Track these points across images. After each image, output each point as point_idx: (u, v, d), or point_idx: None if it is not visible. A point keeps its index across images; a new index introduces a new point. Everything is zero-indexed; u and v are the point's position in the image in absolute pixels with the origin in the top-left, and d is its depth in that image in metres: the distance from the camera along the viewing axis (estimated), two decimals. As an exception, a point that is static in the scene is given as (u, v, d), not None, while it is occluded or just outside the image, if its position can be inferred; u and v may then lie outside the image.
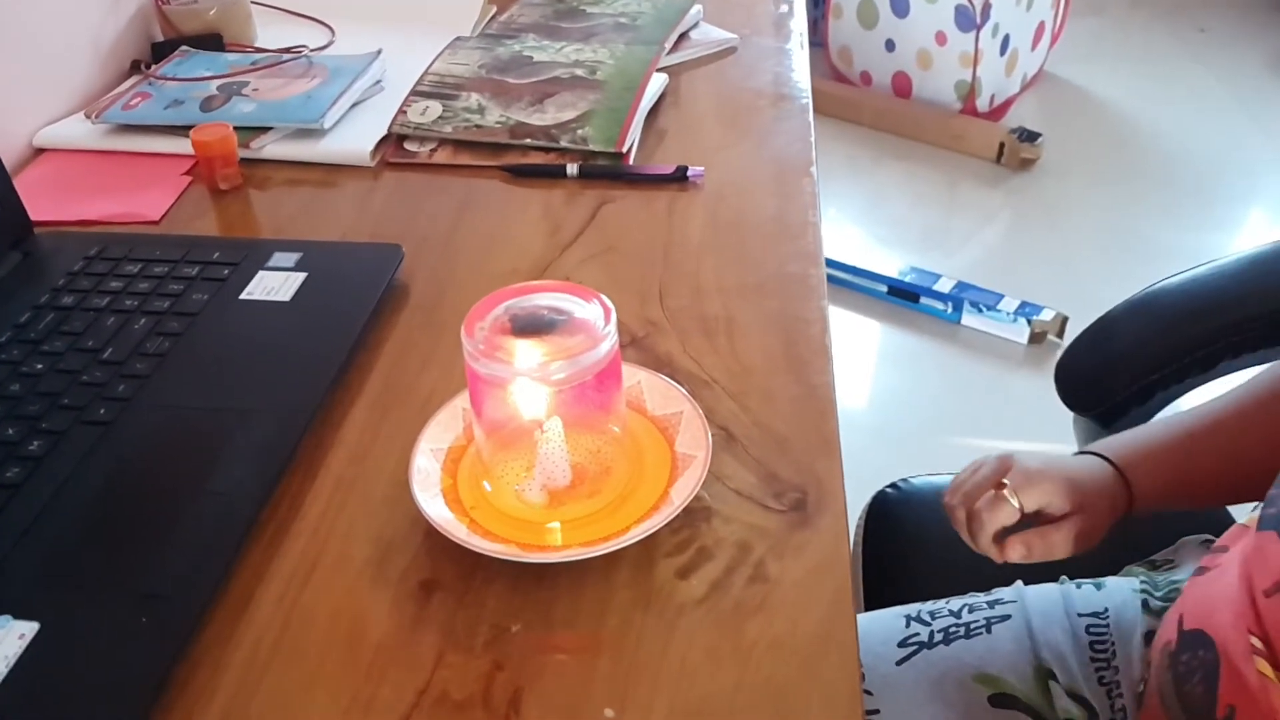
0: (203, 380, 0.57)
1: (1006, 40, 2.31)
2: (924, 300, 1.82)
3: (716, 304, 0.62)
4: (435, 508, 0.47)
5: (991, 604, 0.62)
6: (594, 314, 0.45)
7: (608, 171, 0.77)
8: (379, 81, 0.88)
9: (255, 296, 0.63)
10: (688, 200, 0.73)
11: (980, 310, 1.77)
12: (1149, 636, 0.58)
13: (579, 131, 0.78)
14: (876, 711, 0.59)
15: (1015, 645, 0.59)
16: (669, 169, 0.75)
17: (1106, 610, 0.59)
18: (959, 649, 0.59)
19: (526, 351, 0.44)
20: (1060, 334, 1.75)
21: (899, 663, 0.60)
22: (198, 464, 0.51)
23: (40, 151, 0.83)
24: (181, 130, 0.80)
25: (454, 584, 0.46)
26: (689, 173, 0.75)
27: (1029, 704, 0.57)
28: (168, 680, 0.42)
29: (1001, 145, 2.23)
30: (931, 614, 0.63)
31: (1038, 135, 2.23)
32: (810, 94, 0.85)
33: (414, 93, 0.84)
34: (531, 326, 0.45)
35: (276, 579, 0.47)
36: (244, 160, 0.80)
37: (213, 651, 0.44)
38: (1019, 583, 0.63)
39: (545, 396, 0.45)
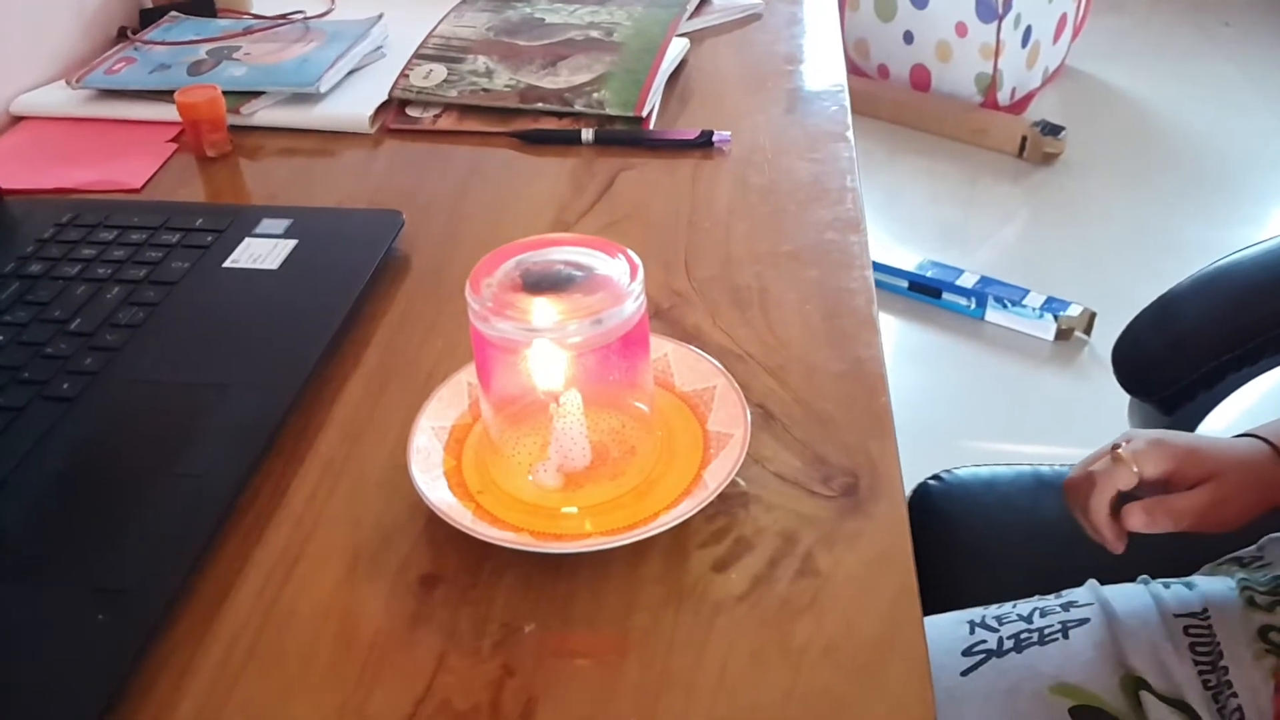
0: (179, 353, 0.51)
1: (1028, 32, 2.25)
2: (946, 296, 1.76)
3: (749, 273, 0.56)
4: (437, 491, 0.41)
5: (1065, 606, 0.56)
6: (619, 270, 0.40)
7: (626, 137, 0.71)
8: (380, 48, 0.83)
9: (240, 264, 0.57)
10: (713, 167, 0.67)
11: (1005, 306, 1.71)
12: (1264, 631, 0.52)
13: (595, 95, 0.73)
14: None
15: (1097, 652, 0.53)
16: (693, 133, 0.69)
17: (1206, 610, 0.53)
18: (1033, 657, 0.53)
19: (541, 310, 0.38)
20: (1088, 330, 1.68)
21: (965, 673, 0.54)
22: (169, 444, 0.45)
23: (18, 120, 0.78)
24: (167, 96, 0.74)
25: (458, 578, 0.40)
26: (715, 138, 0.69)
27: (1115, 716, 0.51)
28: (125, 686, 0.36)
29: (1024, 139, 2.17)
30: (998, 619, 0.56)
31: (1061, 129, 2.17)
32: (844, 56, 0.79)
33: (417, 56, 0.78)
34: (547, 283, 0.39)
35: (255, 572, 0.41)
36: (234, 128, 0.74)
37: (179, 654, 0.38)
38: (1092, 582, 0.57)
39: (562, 363, 0.39)
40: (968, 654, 0.55)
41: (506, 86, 0.75)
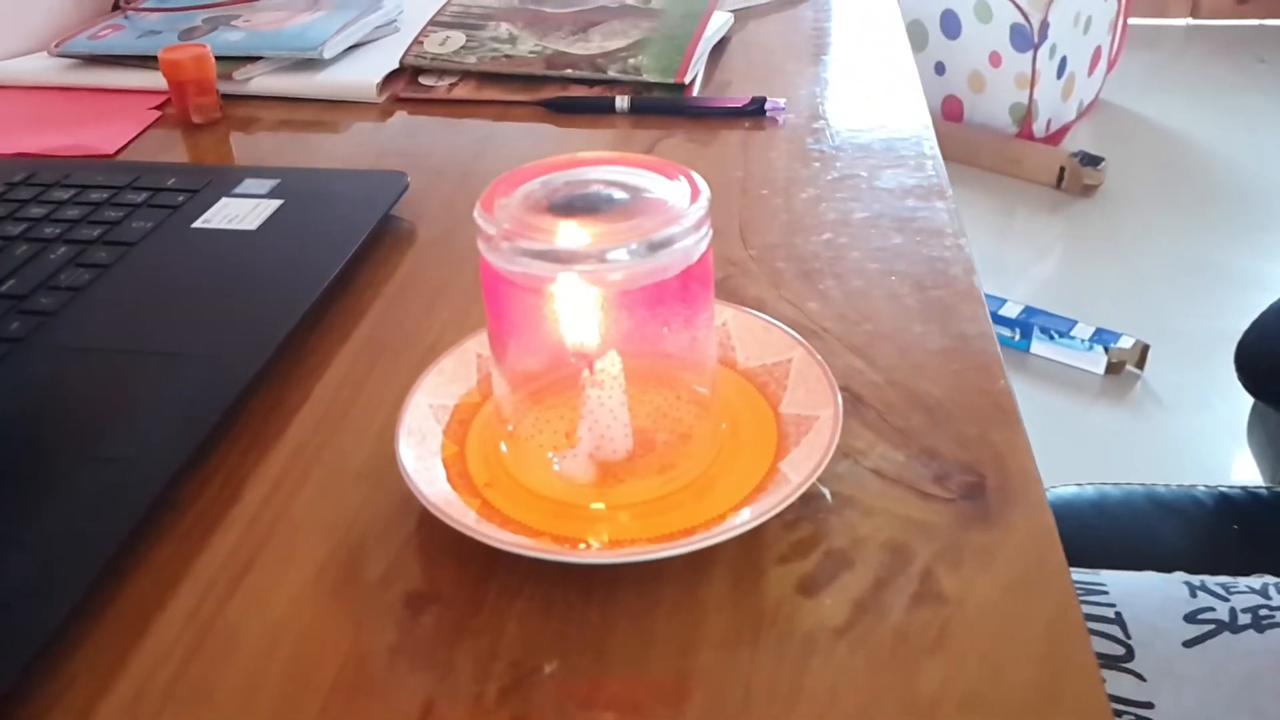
0: (127, 319, 0.42)
1: (1064, 63, 2.18)
2: (988, 326, 1.65)
3: (817, 242, 0.47)
4: (431, 483, 0.32)
5: None
6: (677, 193, 0.30)
7: (666, 105, 0.62)
8: (394, 21, 0.75)
9: (212, 225, 0.48)
10: (766, 137, 0.58)
11: (1051, 337, 1.61)
12: None
13: (630, 61, 0.64)
14: (1149, 705, 0.41)
15: None
16: (743, 100, 0.61)
17: None
18: (1277, 641, 0.42)
19: (572, 232, 0.29)
20: (1140, 364, 1.57)
21: (1189, 643, 0.42)
22: (92, 422, 0.36)
23: (-10, 88, 0.70)
24: (155, 63, 0.66)
25: (455, 597, 0.30)
26: (767, 105, 0.60)
27: None
28: (-6, 737, 0.26)
29: (1062, 170, 2.09)
30: (1225, 587, 0.45)
31: (1100, 160, 2.09)
32: (902, 20, 0.71)
33: (433, 23, 0.70)
34: (582, 206, 0.30)
35: (191, 585, 0.31)
36: (227, 97, 0.66)
37: (73, 694, 0.28)
38: None
39: (599, 309, 0.30)
40: (1193, 620, 0.43)
41: (531, 53, 0.66)
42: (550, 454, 0.33)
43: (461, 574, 0.31)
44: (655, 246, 0.28)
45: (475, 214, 0.30)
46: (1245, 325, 0.74)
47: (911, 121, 0.58)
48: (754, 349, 0.37)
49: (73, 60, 0.71)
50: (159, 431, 0.35)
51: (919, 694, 0.26)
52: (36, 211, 0.50)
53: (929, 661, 0.27)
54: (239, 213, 0.49)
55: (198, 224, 0.48)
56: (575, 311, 0.30)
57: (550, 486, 0.32)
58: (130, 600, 0.31)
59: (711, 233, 0.30)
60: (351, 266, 0.47)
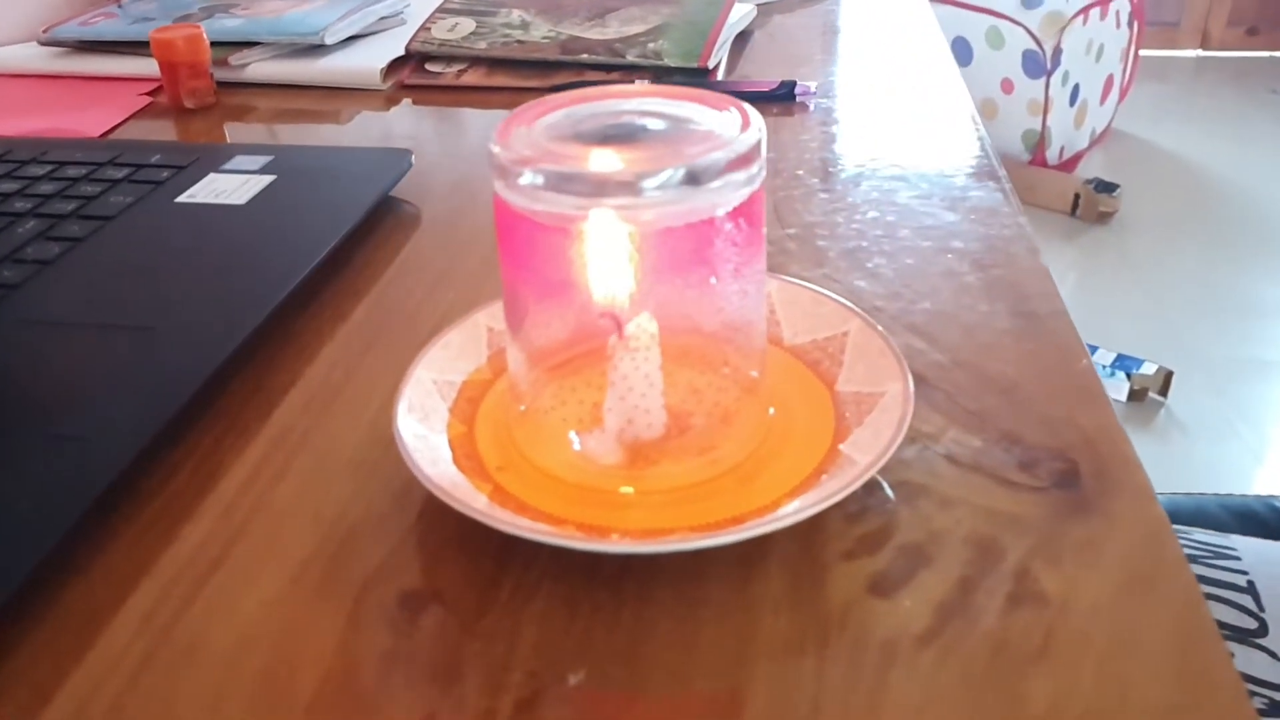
0: (96, 293, 0.37)
1: (1076, 90, 2.16)
2: (1006, 352, 1.61)
3: (861, 220, 0.43)
4: (435, 463, 0.27)
5: None
6: (727, 123, 0.26)
7: (688, 90, 0.58)
8: (400, 14, 0.72)
9: (197, 199, 0.44)
10: (796, 122, 0.54)
11: (1072, 363, 1.56)
12: None
13: (650, 45, 0.61)
14: None
15: None
16: (771, 84, 0.57)
17: None
18: None
19: (604, 159, 0.24)
20: (1163, 391, 1.53)
21: None
22: (50, 397, 0.31)
23: (-27, 75, 0.67)
24: (148, 50, 0.63)
25: (461, 597, 0.25)
26: (797, 89, 0.56)
27: None
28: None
29: (1077, 196, 2.06)
30: None
31: (1116, 187, 2.06)
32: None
33: (441, 9, 0.67)
34: (616, 135, 0.26)
35: (151, 582, 0.27)
36: (223, 84, 0.63)
37: (3, 705, 0.23)
38: None
39: (630, 253, 0.25)
40: None
41: (545, 39, 0.63)
42: (572, 433, 0.28)
43: (469, 570, 0.26)
44: (702, 176, 0.24)
45: (490, 144, 0.25)
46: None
47: (954, 103, 0.54)
48: (802, 323, 0.33)
49: (63, 48, 0.67)
50: (124, 409, 0.30)
51: (1027, 713, 0.22)
52: (7, 187, 0.46)
53: (1034, 674, 0.22)
54: (227, 188, 0.45)
55: (181, 199, 0.44)
56: (606, 255, 0.25)
57: (573, 469, 0.28)
58: (77, 600, 0.26)
59: (765, 172, 0.26)
60: (349, 246, 0.43)
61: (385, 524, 0.28)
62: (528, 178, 0.24)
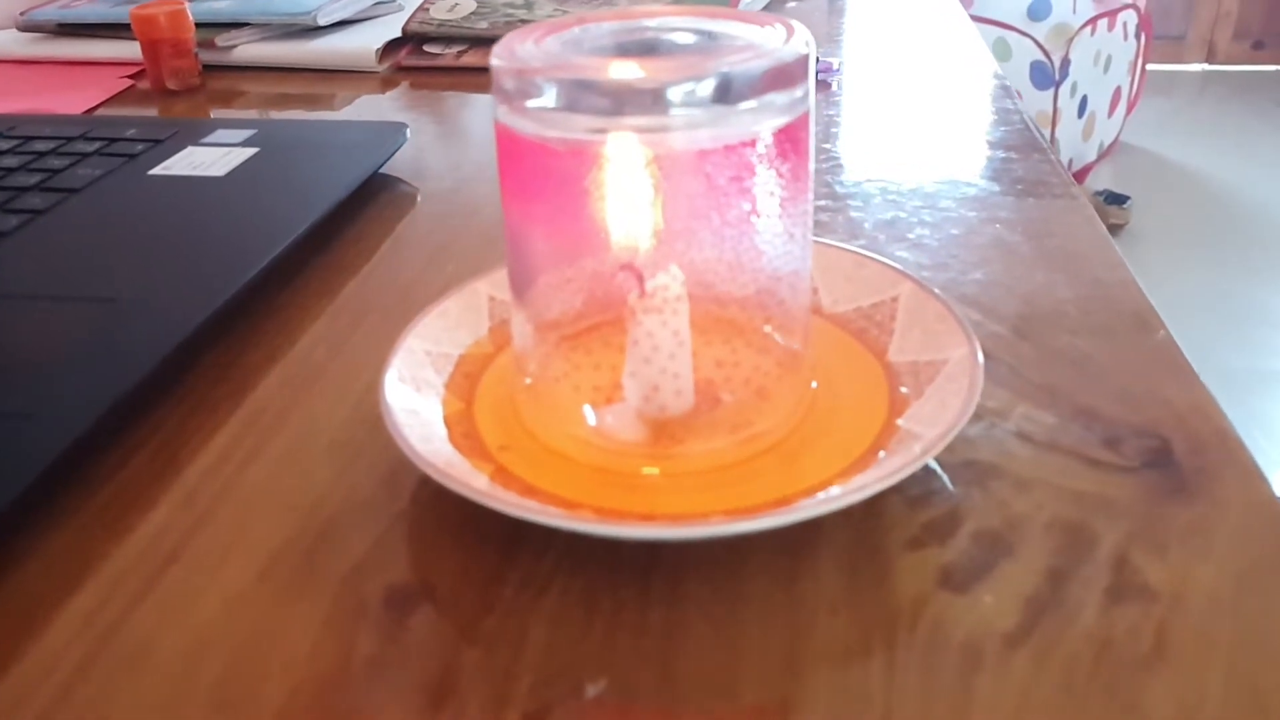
0: (56, 265, 0.34)
1: (1084, 102, 2.14)
2: (1019, 363, 1.57)
3: (897, 190, 0.39)
4: (428, 440, 0.23)
5: None
6: (770, 39, 0.22)
7: (701, 69, 0.55)
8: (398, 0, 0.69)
9: (173, 172, 0.40)
10: (819, 100, 0.51)
11: (1088, 375, 1.52)
12: None
13: (660, 24, 0.57)
14: None
15: None
16: (789, 61, 0.54)
17: None
18: None
19: (626, 70, 0.21)
20: (1183, 404, 1.49)
21: None
22: (-8, 370, 0.27)
23: (-52, 62, 0.63)
24: (130, 33, 0.60)
25: (458, 592, 0.21)
26: (819, 68, 0.53)
27: None
28: None
29: (1086, 208, 2.03)
30: None
31: (1126, 198, 2.03)
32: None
33: (439, -8, 0.64)
34: (638, 50, 0.22)
35: (96, 577, 0.23)
36: (209, 67, 0.59)
37: (-92, 725, 0.19)
38: None
39: (655, 184, 0.22)
40: None
41: (550, 17, 0.59)
42: (586, 406, 0.25)
43: (467, 563, 0.22)
44: (739, 89, 0.20)
45: (492, 59, 0.22)
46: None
47: (985, 77, 0.51)
48: (844, 290, 0.29)
49: (42, 32, 0.64)
50: (75, 384, 0.27)
51: (1148, 729, 0.18)
52: (-30, 163, 0.42)
53: (1150, 679, 0.19)
54: (205, 160, 0.41)
55: (155, 171, 0.40)
56: (626, 188, 0.21)
57: (587, 448, 0.24)
58: (8, 596, 0.22)
59: (813, 94, 0.23)
60: (339, 223, 0.39)
61: (369, 511, 0.24)
62: (534, 94, 0.21)
